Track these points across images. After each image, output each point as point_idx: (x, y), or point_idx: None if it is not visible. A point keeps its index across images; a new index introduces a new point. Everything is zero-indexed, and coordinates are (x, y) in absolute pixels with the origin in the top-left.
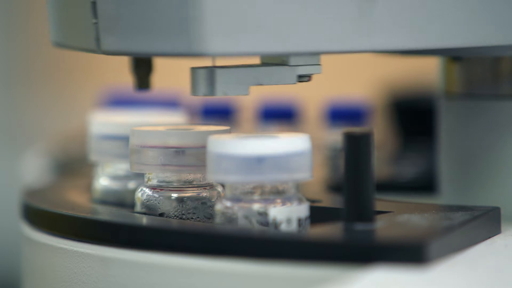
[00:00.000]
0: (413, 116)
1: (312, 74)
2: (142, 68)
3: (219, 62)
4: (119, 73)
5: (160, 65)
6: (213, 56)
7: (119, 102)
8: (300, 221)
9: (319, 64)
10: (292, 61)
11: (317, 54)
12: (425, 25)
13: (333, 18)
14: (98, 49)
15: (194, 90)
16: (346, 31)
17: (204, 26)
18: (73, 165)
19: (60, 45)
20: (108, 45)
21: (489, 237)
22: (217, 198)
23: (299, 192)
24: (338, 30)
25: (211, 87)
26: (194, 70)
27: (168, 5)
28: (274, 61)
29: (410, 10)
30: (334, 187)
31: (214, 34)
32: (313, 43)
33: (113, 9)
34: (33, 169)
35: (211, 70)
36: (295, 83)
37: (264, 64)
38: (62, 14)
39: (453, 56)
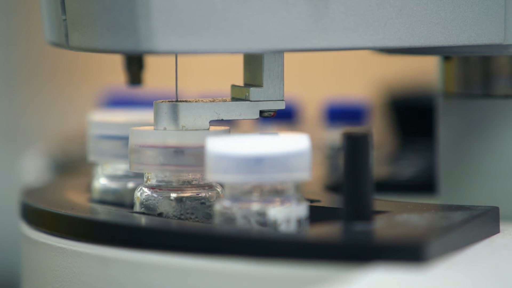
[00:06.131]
0: (412, 115)
1: (275, 110)
2: (134, 65)
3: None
4: (118, 73)
5: (160, 65)
6: (161, 53)
7: (118, 102)
8: (299, 221)
9: (282, 100)
10: (254, 96)
11: (267, 52)
12: (379, 24)
13: (286, 16)
14: (67, 45)
15: (156, 123)
16: (300, 30)
17: (151, 23)
18: (73, 165)
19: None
20: (74, 42)
21: (488, 237)
22: (216, 198)
23: (298, 192)
24: (290, 29)
25: (174, 122)
26: (157, 104)
27: (116, 3)
28: (238, 96)
29: (366, 8)
30: (332, 187)
31: (161, 32)
32: (264, 42)
33: (78, 7)
34: (32, 169)
35: (173, 105)
36: (258, 118)
37: (226, 99)
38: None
39: (445, 55)
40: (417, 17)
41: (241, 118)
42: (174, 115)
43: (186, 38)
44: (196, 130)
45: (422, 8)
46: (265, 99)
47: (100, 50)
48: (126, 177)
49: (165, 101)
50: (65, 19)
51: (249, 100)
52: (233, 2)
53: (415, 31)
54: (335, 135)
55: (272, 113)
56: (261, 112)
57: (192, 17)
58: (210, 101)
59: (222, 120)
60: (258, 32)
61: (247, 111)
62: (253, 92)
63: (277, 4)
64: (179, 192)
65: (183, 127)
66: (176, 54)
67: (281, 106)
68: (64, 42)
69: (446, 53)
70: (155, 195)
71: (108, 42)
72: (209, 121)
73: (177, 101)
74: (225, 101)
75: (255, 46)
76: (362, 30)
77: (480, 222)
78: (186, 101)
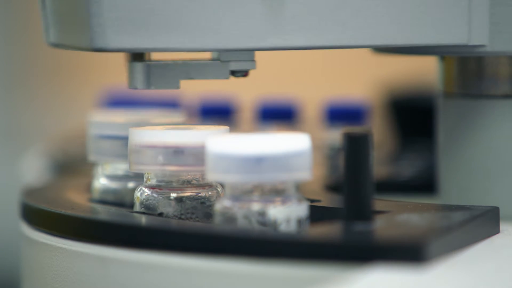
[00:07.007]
0: (412, 115)
1: (246, 70)
2: None
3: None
4: (118, 73)
5: None
6: (112, 51)
7: (118, 102)
8: (299, 221)
9: (253, 60)
10: (224, 56)
11: (221, 51)
12: (338, 24)
13: (241, 15)
14: (47, 41)
15: (130, 83)
16: (255, 29)
17: (102, 21)
18: (73, 165)
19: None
20: (50, 38)
21: (488, 237)
22: (216, 198)
23: (298, 191)
24: (245, 28)
25: (146, 81)
26: (130, 64)
27: (74, 1)
28: (211, 57)
29: (324, 8)
30: (332, 187)
31: (112, 30)
32: (217, 40)
33: (51, 4)
34: (33, 169)
35: (146, 65)
36: (228, 79)
37: (197, 59)
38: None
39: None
40: (377, 17)
41: (212, 78)
42: (146, 74)
43: (137, 36)
44: (196, 129)
45: (383, 8)
46: (236, 60)
47: (66, 47)
48: (126, 177)
49: (138, 61)
50: (44, 15)
51: (220, 61)
52: (186, 0)
53: (376, 30)
54: (335, 135)
55: (244, 74)
56: (233, 72)
57: (143, 15)
58: (182, 62)
59: (192, 79)
60: (212, 30)
61: (217, 72)
62: (224, 52)
63: (230, 3)
64: (179, 192)
65: (154, 87)
66: (144, 51)
67: (251, 66)
68: (45, 38)
69: (439, 54)
70: (155, 195)
71: (72, 39)
72: (180, 81)
73: (150, 61)
74: (196, 61)
75: (209, 44)
76: (320, 29)
77: (480, 222)
78: (158, 61)
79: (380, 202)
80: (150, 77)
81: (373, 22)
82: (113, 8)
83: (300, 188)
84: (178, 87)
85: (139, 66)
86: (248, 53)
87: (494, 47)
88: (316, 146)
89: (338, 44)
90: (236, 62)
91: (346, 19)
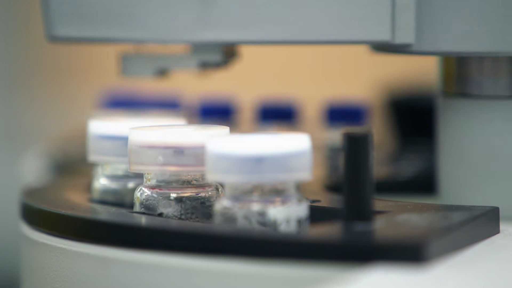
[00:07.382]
0: (412, 116)
1: (216, 63)
2: None
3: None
4: (119, 73)
5: None
6: (63, 40)
7: (118, 102)
8: (299, 221)
9: (221, 54)
10: (194, 49)
11: (159, 43)
12: (263, 20)
13: (174, 9)
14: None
15: (122, 71)
16: (188, 22)
17: (50, 13)
18: (73, 165)
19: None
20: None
21: (488, 237)
22: (216, 198)
23: (298, 191)
24: (179, 21)
25: (126, 70)
26: (122, 55)
27: None
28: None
29: (255, 3)
30: (333, 187)
31: (60, 21)
32: (154, 32)
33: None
34: (32, 169)
35: (124, 57)
36: (197, 69)
37: (169, 51)
38: None
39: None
40: (302, 14)
41: (181, 68)
42: (125, 64)
43: (84, 27)
44: (197, 130)
45: (307, 5)
46: (205, 53)
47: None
48: (126, 177)
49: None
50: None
51: (189, 52)
52: None
53: (300, 27)
54: (335, 135)
55: (217, 65)
56: (204, 64)
57: (90, 9)
58: (158, 53)
59: (163, 69)
60: (147, 23)
61: (186, 63)
62: (194, 45)
63: None
64: (179, 192)
65: (133, 74)
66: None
67: (220, 59)
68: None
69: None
70: (155, 195)
71: (44, 31)
72: (152, 70)
73: (135, 52)
74: (170, 53)
75: (143, 36)
76: (249, 25)
77: (480, 223)
78: (141, 52)
79: (380, 202)
80: (127, 67)
81: (297, 19)
82: (65, 2)
83: (300, 188)
84: (150, 75)
85: (129, 56)
86: (217, 47)
87: (420, 47)
88: (316, 146)
89: (266, 39)
90: (204, 55)
91: (273, 16)
